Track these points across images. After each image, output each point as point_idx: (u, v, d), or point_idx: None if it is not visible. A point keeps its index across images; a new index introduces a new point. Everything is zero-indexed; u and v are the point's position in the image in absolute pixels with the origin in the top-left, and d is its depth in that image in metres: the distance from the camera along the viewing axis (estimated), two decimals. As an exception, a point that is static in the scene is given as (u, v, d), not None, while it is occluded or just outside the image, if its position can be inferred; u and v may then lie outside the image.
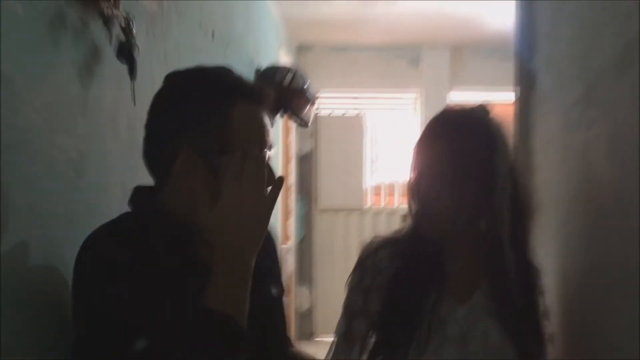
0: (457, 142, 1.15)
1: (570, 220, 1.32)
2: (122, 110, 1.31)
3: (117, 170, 1.30)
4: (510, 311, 1.17)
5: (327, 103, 5.30)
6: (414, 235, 1.23)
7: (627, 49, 1.01)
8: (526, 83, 1.56)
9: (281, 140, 4.41)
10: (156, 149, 1.01)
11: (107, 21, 1.12)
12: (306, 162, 5.33)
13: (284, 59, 4.25)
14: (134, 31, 1.20)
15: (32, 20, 0.94)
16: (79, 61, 1.10)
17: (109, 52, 1.20)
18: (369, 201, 5.38)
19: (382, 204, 5.42)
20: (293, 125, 4.49)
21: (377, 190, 5.52)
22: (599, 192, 1.14)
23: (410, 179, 1.21)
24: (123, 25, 1.17)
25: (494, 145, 1.15)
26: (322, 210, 5.33)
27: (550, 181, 1.40)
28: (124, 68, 1.24)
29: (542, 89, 1.49)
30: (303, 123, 3.37)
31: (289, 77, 3.13)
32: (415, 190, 1.19)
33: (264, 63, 3.28)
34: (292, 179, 5.09)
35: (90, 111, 1.15)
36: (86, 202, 1.15)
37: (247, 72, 2.94)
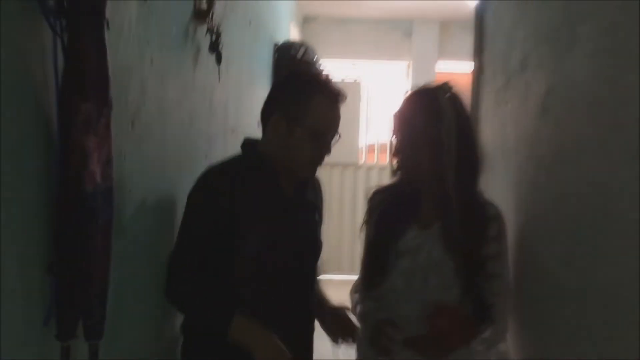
0: (409, 116, 1.54)
1: (496, 168, 2.00)
2: (207, 85, 1.98)
3: (203, 125, 1.98)
4: (453, 237, 1.50)
5: (328, 69, 5.91)
6: (399, 184, 1.61)
7: (524, 60, 1.70)
8: (477, 71, 2.25)
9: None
10: (264, 112, 1.55)
11: (209, 30, 1.79)
12: (308, 122, 5.97)
13: (293, 30, 4.87)
14: (221, 33, 1.87)
15: (178, 36, 1.62)
16: (192, 56, 1.78)
17: (203, 47, 1.87)
18: (363, 158, 6.07)
19: (375, 160, 6.11)
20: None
21: (370, 148, 6.19)
22: (509, 149, 1.84)
23: (391, 143, 1.60)
24: (215, 30, 1.84)
25: (437, 118, 1.47)
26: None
27: (486, 141, 2.10)
28: (209, 57, 1.92)
29: (485, 75, 2.18)
30: (312, 89, 4.03)
31: (301, 50, 3.78)
32: (394, 151, 1.58)
33: (281, 37, 3.93)
34: (295, 136, 5.75)
35: (197, 87, 1.83)
36: (194, 144, 1.84)
37: (269, 49, 3.59)
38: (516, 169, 1.76)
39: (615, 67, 1.12)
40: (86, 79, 0.87)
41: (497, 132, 1.96)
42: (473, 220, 1.51)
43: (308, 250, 1.61)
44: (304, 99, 1.47)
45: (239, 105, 2.66)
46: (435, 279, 1.52)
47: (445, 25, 5.80)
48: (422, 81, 1.65)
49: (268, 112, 1.52)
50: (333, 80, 1.55)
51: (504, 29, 1.94)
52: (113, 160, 0.92)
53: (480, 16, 2.29)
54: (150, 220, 1.47)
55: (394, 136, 1.58)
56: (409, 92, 1.60)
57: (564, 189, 1.39)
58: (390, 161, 1.62)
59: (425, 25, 5.79)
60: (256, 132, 2.99)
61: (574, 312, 1.32)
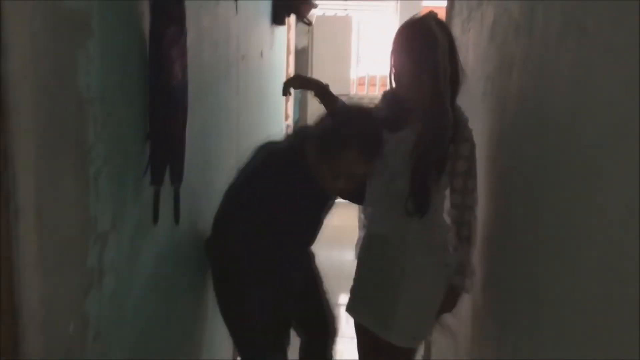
0: (408, 45, 1.74)
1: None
2: (225, 18, 2.42)
3: (222, 51, 2.42)
4: (415, 136, 1.80)
5: (321, 5, 6.26)
6: (393, 96, 1.91)
7: (452, 3, 2.14)
8: (450, 6, 2.69)
9: (285, 36, 5.45)
10: (308, 132, 1.92)
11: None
12: (303, 55, 6.38)
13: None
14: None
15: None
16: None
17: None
18: (354, 89, 6.51)
19: (365, 91, 6.55)
20: (292, 23, 5.51)
21: (361, 80, 6.62)
22: (469, 69, 2.29)
23: (390, 66, 1.82)
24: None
25: (434, 44, 1.67)
26: (315, 96, 6.43)
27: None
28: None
29: (455, 9, 2.63)
30: (308, 22, 4.46)
31: (298, -13, 4.16)
32: (392, 73, 1.82)
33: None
34: (291, 69, 6.17)
35: (219, 19, 2.27)
36: (217, 67, 2.29)
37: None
38: (472, 87, 2.23)
39: (531, 1, 1.58)
40: (173, 10, 1.32)
41: (462, 55, 2.42)
42: (455, 123, 1.76)
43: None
44: (335, 152, 1.73)
45: (247, 37, 3.09)
46: (394, 164, 1.85)
47: (432, -37, 6.10)
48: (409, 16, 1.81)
49: (309, 137, 1.85)
50: (371, 136, 1.75)
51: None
52: (187, 66, 1.39)
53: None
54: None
55: (394, 67, 1.79)
56: (402, 26, 1.79)
57: (502, 96, 1.87)
58: (390, 86, 1.87)
59: (413, -37, 6.11)
60: (257, 60, 3.44)
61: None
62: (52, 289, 0.98)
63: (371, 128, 1.75)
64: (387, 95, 1.96)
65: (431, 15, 1.75)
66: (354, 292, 2.07)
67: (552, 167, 1.38)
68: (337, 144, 1.72)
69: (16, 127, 0.87)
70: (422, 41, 1.72)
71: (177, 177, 1.43)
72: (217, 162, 2.28)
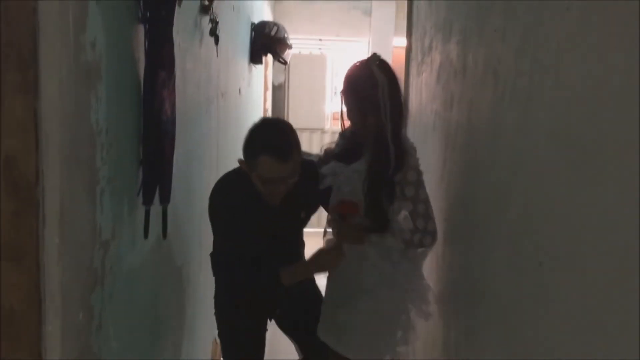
0: (352, 84, 1.95)
1: (416, 122, 2.78)
2: (207, 60, 2.70)
3: (204, 89, 2.70)
4: (378, 166, 1.93)
5: (297, 44, 6.61)
6: (350, 132, 2.15)
7: (430, 43, 2.47)
8: (408, 49, 3.01)
9: (262, 74, 5.77)
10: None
11: (211, 19, 2.51)
12: (280, 91, 6.69)
13: (267, 10, 5.56)
14: (218, 21, 2.60)
15: (191, 25, 2.34)
16: (199, 39, 2.49)
17: (205, 32, 2.59)
18: (328, 123, 6.82)
19: (339, 125, 6.86)
20: (270, 61, 5.83)
21: (335, 115, 6.94)
22: (423, 107, 2.61)
23: (341, 110, 2.04)
24: (214, 19, 2.56)
25: (374, 84, 1.87)
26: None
27: (412, 102, 2.88)
28: (209, 39, 2.64)
29: (412, 52, 2.95)
30: (283, 61, 4.78)
31: (274, 29, 4.50)
32: (348, 115, 2.02)
33: (256, 17, 4.63)
34: (268, 104, 6.47)
35: (201, 61, 2.56)
36: (199, 103, 2.56)
37: (247, 27, 4.29)
38: (425, 121, 2.54)
39: (464, 50, 1.89)
40: (163, 58, 1.60)
41: (417, 95, 2.74)
42: (400, 154, 1.94)
43: (287, 230, 2.18)
44: (252, 157, 1.88)
45: (227, 75, 3.38)
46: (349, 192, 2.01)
47: (401, 6, 6.50)
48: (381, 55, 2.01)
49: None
50: (280, 140, 1.88)
51: (421, 19, 2.70)
52: (176, 104, 1.66)
53: (410, 8, 3.06)
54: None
55: (345, 106, 2.04)
56: (348, 69, 2.01)
57: (447, 127, 2.17)
58: (341, 123, 2.13)
59: (383, 5, 6.49)
60: (236, 97, 3.73)
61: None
62: (68, 283, 1.22)
63: (279, 134, 1.89)
64: (345, 134, 2.18)
65: (374, 58, 1.96)
66: (322, 314, 2.17)
67: (479, 179, 1.67)
68: (252, 154, 1.87)
69: (46, 151, 1.13)
70: (364, 83, 1.92)
71: (165, 198, 1.68)
72: (198, 187, 2.54)
